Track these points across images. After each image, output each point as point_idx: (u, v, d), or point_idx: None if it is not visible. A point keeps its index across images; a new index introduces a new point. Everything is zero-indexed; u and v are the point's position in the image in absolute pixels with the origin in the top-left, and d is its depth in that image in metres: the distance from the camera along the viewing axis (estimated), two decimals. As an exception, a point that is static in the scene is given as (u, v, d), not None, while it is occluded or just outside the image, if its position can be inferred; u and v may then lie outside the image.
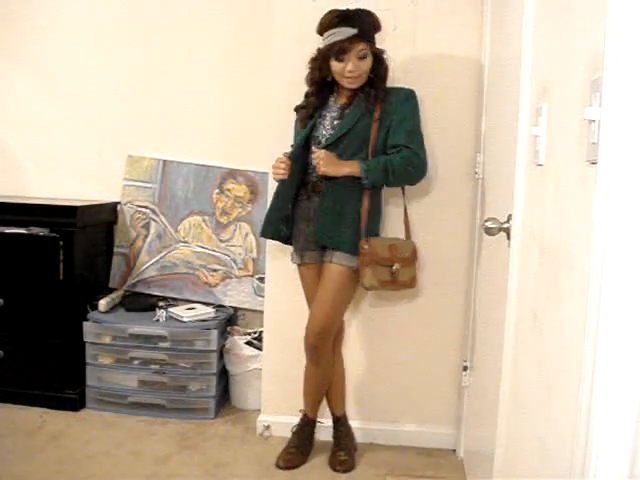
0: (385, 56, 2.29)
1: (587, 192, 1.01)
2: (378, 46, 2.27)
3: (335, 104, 2.33)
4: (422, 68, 2.54)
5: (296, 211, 2.37)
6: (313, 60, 2.29)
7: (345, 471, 2.45)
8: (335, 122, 2.30)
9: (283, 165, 2.26)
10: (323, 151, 2.22)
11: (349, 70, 2.20)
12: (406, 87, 2.32)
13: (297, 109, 2.38)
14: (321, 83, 2.31)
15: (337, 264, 2.29)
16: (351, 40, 2.18)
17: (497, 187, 2.06)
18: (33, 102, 3.31)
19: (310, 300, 2.44)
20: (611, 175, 0.91)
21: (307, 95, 2.35)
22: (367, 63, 2.23)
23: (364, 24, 2.20)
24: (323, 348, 2.39)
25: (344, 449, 2.53)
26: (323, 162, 2.20)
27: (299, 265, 2.44)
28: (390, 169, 2.21)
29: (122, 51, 3.20)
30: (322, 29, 2.23)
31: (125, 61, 3.20)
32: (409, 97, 2.29)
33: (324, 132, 2.30)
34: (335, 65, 2.22)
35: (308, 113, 2.34)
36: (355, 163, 2.23)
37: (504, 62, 2.01)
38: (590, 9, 1.07)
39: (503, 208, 1.76)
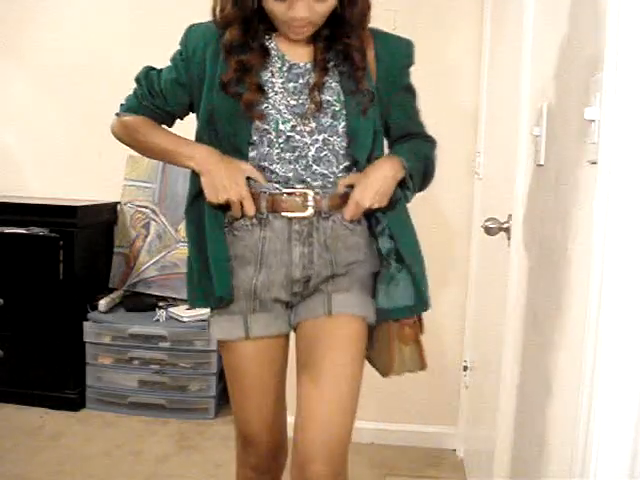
0: None
1: (587, 192, 1.01)
2: None
3: (283, 59, 1.34)
4: (422, 67, 2.53)
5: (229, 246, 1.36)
6: None
7: None
8: (300, 98, 1.32)
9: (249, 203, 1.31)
10: (362, 183, 1.32)
11: (300, 17, 1.24)
12: (399, 35, 1.44)
13: (228, 47, 1.30)
14: (244, 20, 1.29)
15: (349, 315, 1.35)
16: None
17: (497, 187, 2.06)
18: (33, 102, 3.31)
19: (253, 407, 1.42)
20: (611, 175, 0.91)
21: (230, 44, 1.30)
22: (329, 4, 1.25)
23: None
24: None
25: None
26: (375, 197, 1.32)
27: (231, 342, 1.40)
28: (430, 162, 1.47)
29: (122, 51, 3.20)
30: None
31: (125, 61, 3.19)
32: (410, 53, 1.43)
33: (279, 116, 1.30)
34: (274, 4, 1.24)
35: (248, 64, 1.30)
36: (388, 162, 1.36)
37: (504, 61, 2.01)
38: (590, 9, 1.07)
39: (503, 208, 1.76)
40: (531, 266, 1.45)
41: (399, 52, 1.42)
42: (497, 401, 1.68)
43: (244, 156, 1.33)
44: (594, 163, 0.97)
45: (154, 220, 3.20)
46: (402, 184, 1.37)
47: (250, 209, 1.30)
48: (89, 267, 3.08)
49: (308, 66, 1.34)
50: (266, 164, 1.32)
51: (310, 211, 1.31)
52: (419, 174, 1.41)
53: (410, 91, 1.47)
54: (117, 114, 1.43)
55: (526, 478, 1.39)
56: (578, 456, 0.97)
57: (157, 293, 3.17)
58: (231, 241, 1.35)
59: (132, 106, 1.41)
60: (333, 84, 1.33)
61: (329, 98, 1.32)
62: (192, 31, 1.38)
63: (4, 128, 3.35)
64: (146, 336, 2.88)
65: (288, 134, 1.31)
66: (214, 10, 1.32)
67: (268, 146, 1.31)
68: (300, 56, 1.34)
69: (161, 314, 2.97)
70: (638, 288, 0.89)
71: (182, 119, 1.45)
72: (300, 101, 1.32)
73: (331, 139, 1.32)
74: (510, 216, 1.65)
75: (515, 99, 1.61)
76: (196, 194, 1.36)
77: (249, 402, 1.42)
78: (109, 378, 2.93)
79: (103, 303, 2.98)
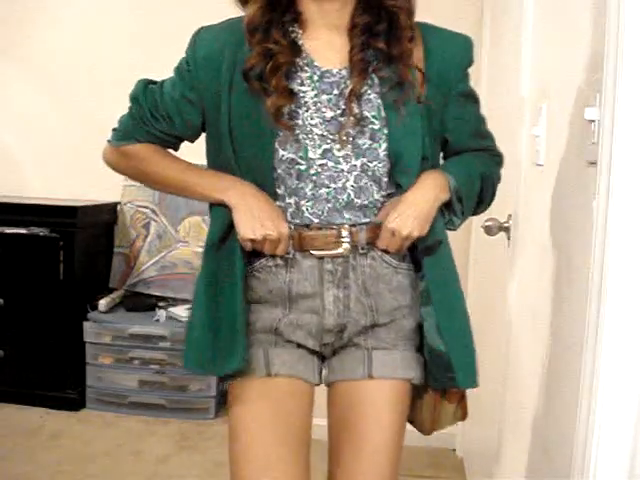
0: None
1: (587, 192, 1.01)
2: None
3: (313, 65, 1.10)
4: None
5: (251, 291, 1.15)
6: None
7: None
8: (335, 112, 1.08)
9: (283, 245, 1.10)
10: (397, 208, 1.09)
11: None
12: (454, 30, 1.21)
13: (251, 27, 1.08)
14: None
15: (392, 380, 1.14)
16: None
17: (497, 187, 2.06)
18: (33, 102, 3.31)
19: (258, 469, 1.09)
20: (611, 175, 0.91)
21: (252, 24, 1.08)
22: None
23: None
24: None
25: None
26: (414, 223, 1.08)
27: (244, 381, 1.12)
28: (488, 181, 1.22)
29: (122, 51, 3.19)
30: None
31: (125, 61, 3.20)
32: (468, 50, 1.17)
33: (308, 140, 1.07)
34: None
35: (278, 68, 1.06)
36: (430, 180, 1.11)
37: (504, 62, 2.01)
38: (590, 9, 1.07)
39: (503, 208, 1.76)
40: (531, 266, 1.45)
41: (454, 49, 1.15)
42: (497, 401, 1.68)
43: (270, 195, 1.10)
44: (594, 163, 0.97)
45: (154, 220, 3.20)
46: (448, 207, 1.13)
47: (284, 249, 1.09)
48: (89, 267, 3.08)
49: (343, 72, 1.09)
50: (294, 200, 1.09)
51: (345, 247, 1.09)
52: (471, 196, 1.16)
53: (471, 98, 1.18)
54: (110, 141, 1.19)
55: (526, 478, 1.39)
56: (578, 456, 0.97)
57: (157, 293, 3.17)
58: (252, 285, 1.13)
59: (130, 132, 1.16)
60: (372, 95, 1.08)
61: (367, 114, 1.07)
62: (202, 36, 1.16)
63: (4, 128, 3.35)
64: (146, 336, 2.88)
65: (320, 162, 1.07)
66: None
67: (298, 179, 1.08)
68: (331, 61, 1.10)
69: (161, 314, 2.96)
70: (638, 288, 0.89)
71: (192, 142, 1.21)
72: (335, 116, 1.08)
73: (371, 164, 1.08)
74: (510, 216, 1.65)
75: (515, 99, 1.62)
76: (223, 236, 1.12)
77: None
78: (109, 378, 2.93)
79: (103, 303, 2.98)
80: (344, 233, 1.09)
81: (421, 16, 2.46)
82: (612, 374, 0.91)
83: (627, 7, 0.88)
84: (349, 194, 1.08)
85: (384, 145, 1.08)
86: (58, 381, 2.91)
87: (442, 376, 1.13)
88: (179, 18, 3.10)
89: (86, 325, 2.92)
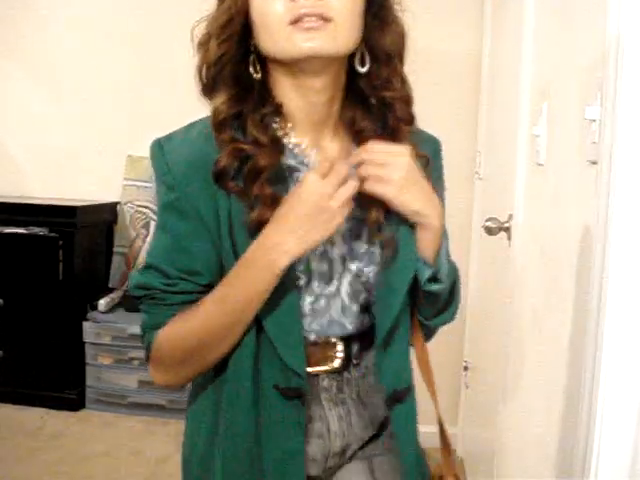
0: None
1: (587, 192, 1.01)
2: None
3: (312, 166, 0.95)
4: (422, 67, 2.53)
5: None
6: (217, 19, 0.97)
7: None
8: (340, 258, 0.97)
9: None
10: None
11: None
12: (426, 131, 1.11)
13: (221, 171, 0.88)
14: (242, 89, 0.91)
15: None
16: None
17: (497, 187, 2.07)
18: (33, 102, 3.30)
19: None
20: (611, 175, 0.91)
21: (218, 118, 0.91)
22: None
23: None
24: None
25: None
26: (401, 178, 0.87)
27: None
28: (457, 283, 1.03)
29: (122, 50, 3.19)
30: None
31: (125, 60, 3.19)
32: (441, 152, 1.11)
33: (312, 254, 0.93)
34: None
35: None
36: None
37: (504, 62, 2.01)
38: (590, 8, 1.07)
39: (503, 208, 1.76)
40: (531, 266, 1.45)
41: (435, 150, 1.06)
42: (497, 401, 1.68)
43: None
44: (594, 163, 0.97)
45: (154, 220, 3.20)
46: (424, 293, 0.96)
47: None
48: (89, 267, 3.08)
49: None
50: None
51: (339, 361, 0.99)
52: (449, 280, 0.97)
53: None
54: (147, 354, 0.96)
55: (526, 478, 1.39)
56: (579, 456, 0.97)
57: (157, 293, 3.17)
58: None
59: (156, 321, 0.93)
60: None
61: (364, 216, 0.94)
62: (167, 148, 0.98)
63: (4, 128, 3.34)
64: (146, 336, 2.88)
65: (319, 269, 0.95)
66: (200, 70, 0.93)
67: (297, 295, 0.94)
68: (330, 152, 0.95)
69: (161, 314, 2.97)
70: (638, 287, 0.89)
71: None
72: None
73: (365, 270, 0.97)
74: (510, 216, 1.65)
75: (515, 99, 1.62)
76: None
77: None
78: (109, 378, 2.93)
79: (103, 303, 2.98)
80: (339, 347, 0.99)
81: (422, 15, 2.46)
82: (613, 374, 0.91)
83: (627, 7, 0.88)
84: (344, 302, 0.97)
85: (379, 250, 0.96)
86: (58, 381, 2.90)
87: None
88: (179, 18, 3.10)
89: (86, 325, 2.92)
